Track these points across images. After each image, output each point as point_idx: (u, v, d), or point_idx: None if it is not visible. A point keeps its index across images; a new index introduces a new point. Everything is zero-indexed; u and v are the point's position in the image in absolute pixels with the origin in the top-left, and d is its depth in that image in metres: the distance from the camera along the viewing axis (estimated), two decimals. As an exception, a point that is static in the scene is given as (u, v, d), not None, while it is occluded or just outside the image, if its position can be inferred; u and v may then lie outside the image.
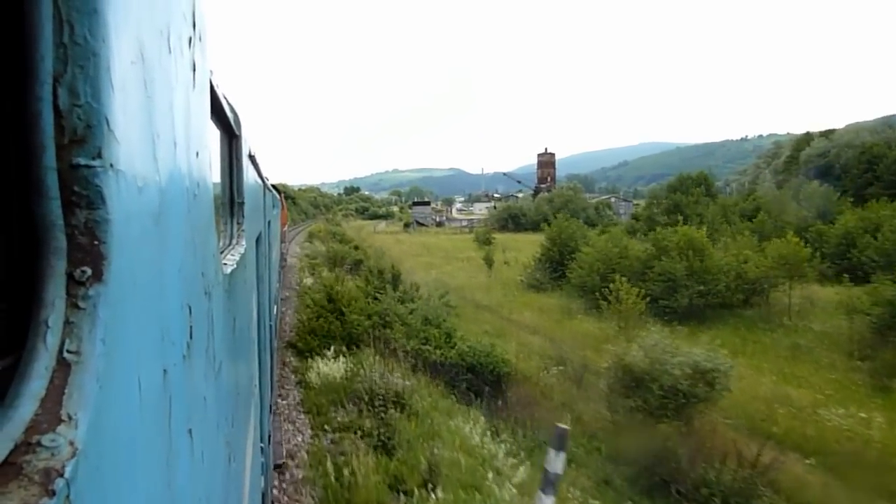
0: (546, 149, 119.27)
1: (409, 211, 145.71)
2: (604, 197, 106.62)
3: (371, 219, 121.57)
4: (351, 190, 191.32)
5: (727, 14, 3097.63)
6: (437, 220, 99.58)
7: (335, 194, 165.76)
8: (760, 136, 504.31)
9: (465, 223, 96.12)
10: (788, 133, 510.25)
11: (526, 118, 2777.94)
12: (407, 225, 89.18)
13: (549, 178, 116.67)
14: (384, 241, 63.74)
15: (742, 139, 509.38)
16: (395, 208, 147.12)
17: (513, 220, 76.24)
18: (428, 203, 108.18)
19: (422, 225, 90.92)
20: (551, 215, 73.25)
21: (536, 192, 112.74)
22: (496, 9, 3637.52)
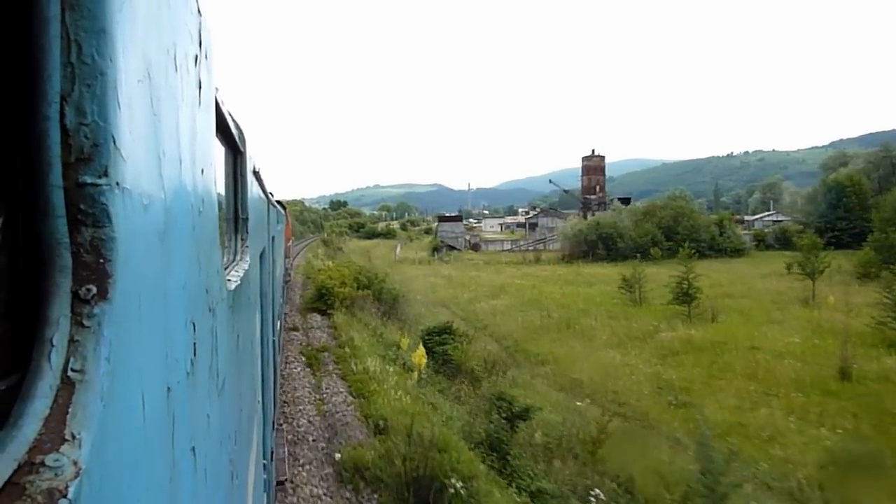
0: (593, 151, 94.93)
1: (415, 227, 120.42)
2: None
3: (368, 238, 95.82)
4: (338, 204, 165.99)
5: (710, 31, 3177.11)
6: (471, 241, 74.03)
7: (321, 209, 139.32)
8: (746, 153, 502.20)
9: (508, 245, 71.05)
10: (773, 149, 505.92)
11: (508, 134, 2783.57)
12: (436, 249, 63.70)
13: (598, 187, 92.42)
14: (426, 280, 38.17)
15: (728, 155, 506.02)
16: (396, 225, 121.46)
17: (604, 244, 51.48)
18: (459, 218, 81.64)
19: (452, 248, 65.46)
20: (660, 237, 48.84)
21: (585, 204, 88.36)
22: (478, 24, 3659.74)
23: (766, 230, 62.07)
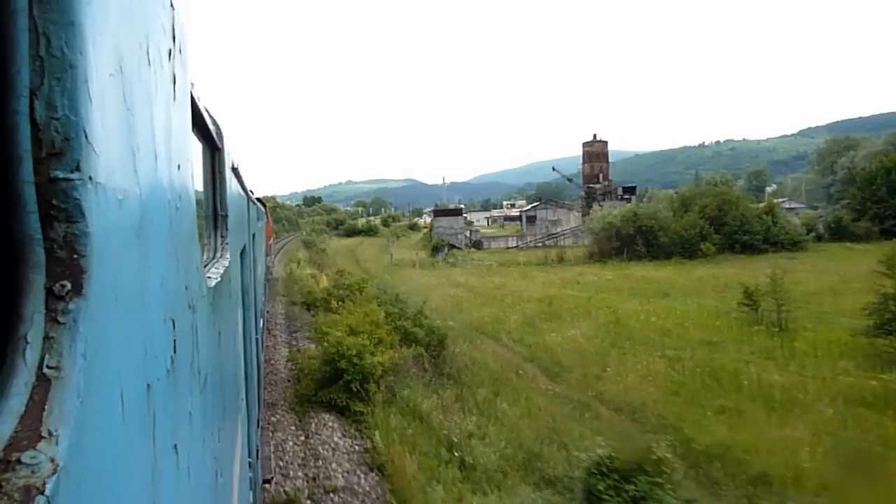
0: (595, 136, 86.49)
1: (396, 223, 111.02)
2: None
3: (348, 235, 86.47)
4: (311, 200, 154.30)
5: (680, 24, 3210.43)
6: (472, 238, 64.68)
7: (294, 206, 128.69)
8: (718, 143, 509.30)
9: (513, 242, 62.47)
10: (744, 138, 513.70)
11: (480, 128, 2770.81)
12: (436, 248, 54.45)
13: (601, 175, 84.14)
14: (443, 292, 29.77)
15: (700, 145, 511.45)
16: (377, 221, 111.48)
17: (643, 239, 42.92)
18: (458, 212, 69.89)
19: (453, 247, 56.44)
20: (709, 230, 40.64)
21: (588, 194, 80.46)
22: (447, 18, 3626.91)
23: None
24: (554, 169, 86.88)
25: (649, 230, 43.21)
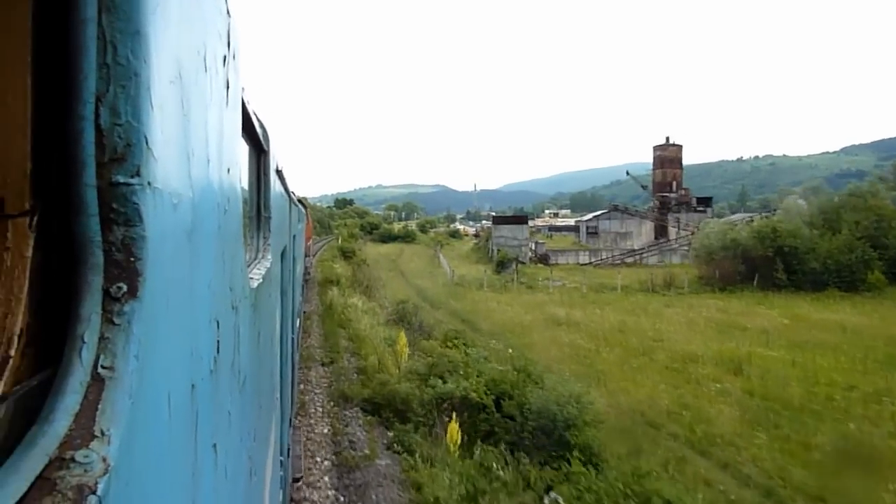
0: (668, 139, 76.31)
1: (433, 229, 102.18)
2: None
3: (383, 241, 78.06)
4: (343, 203, 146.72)
5: (723, 37, 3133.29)
6: (538, 251, 55.17)
7: (325, 207, 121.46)
8: (756, 157, 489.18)
9: (586, 258, 52.91)
10: (784, 154, 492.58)
11: (510, 136, 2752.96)
12: (502, 265, 45.21)
13: (674, 183, 73.81)
14: (548, 337, 25.85)
15: (738, 160, 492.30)
16: (413, 226, 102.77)
17: (784, 263, 32.89)
18: (523, 220, 58.95)
19: (520, 262, 47.11)
20: (872, 254, 30.38)
21: (662, 204, 70.16)
22: (481, 27, 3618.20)
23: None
24: (628, 174, 77.11)
25: (792, 252, 33.15)
